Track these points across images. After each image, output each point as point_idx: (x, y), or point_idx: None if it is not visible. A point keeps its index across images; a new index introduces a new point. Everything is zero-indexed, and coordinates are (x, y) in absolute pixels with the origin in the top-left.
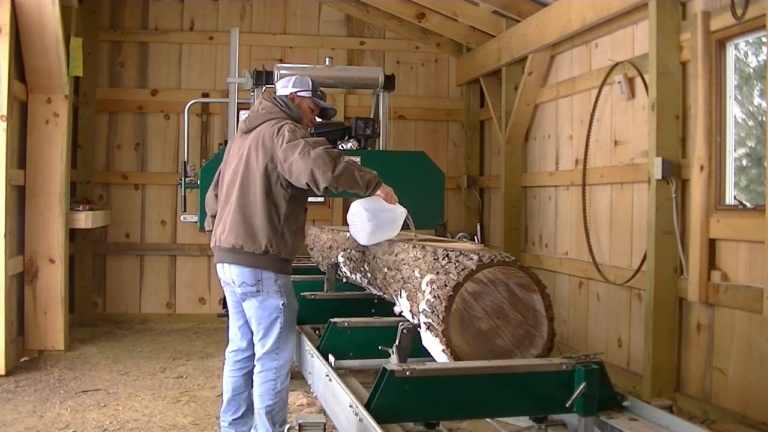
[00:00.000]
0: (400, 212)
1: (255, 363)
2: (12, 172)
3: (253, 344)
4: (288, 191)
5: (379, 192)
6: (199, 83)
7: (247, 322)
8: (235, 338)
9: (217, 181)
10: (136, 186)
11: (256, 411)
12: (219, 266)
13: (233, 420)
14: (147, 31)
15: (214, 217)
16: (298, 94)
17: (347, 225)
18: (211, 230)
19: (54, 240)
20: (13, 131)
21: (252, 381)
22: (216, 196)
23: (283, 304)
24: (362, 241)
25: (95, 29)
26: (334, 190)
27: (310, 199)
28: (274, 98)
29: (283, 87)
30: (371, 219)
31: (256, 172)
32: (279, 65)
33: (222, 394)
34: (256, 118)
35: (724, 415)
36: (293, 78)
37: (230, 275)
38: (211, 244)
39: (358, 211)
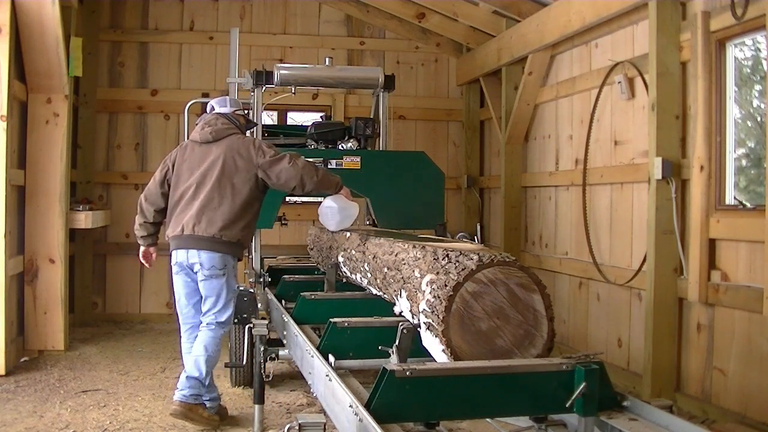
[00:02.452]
0: (357, 208)
1: (208, 324)
2: (12, 172)
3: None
4: (261, 194)
5: (342, 192)
6: (199, 83)
7: (199, 301)
8: (189, 317)
9: (165, 180)
10: (136, 186)
11: (194, 359)
12: (183, 252)
13: None
14: (147, 31)
15: (158, 212)
16: (235, 112)
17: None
18: (150, 223)
19: (54, 240)
20: (13, 131)
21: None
22: (163, 194)
23: (238, 286)
24: (332, 228)
25: (95, 29)
26: (315, 191)
27: (309, 199)
28: (225, 115)
29: (222, 107)
30: (340, 212)
31: (239, 178)
32: (279, 65)
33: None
34: (222, 131)
35: (724, 415)
36: (226, 98)
37: (199, 259)
38: (174, 233)
39: (331, 205)
